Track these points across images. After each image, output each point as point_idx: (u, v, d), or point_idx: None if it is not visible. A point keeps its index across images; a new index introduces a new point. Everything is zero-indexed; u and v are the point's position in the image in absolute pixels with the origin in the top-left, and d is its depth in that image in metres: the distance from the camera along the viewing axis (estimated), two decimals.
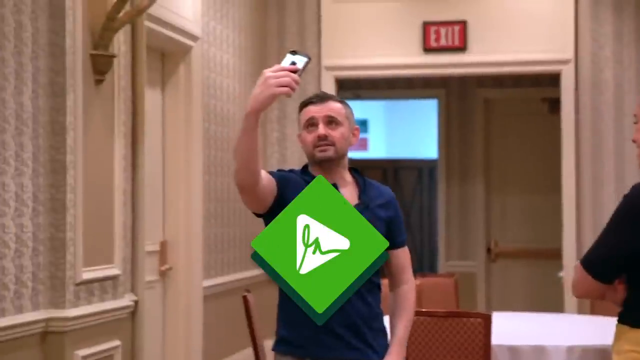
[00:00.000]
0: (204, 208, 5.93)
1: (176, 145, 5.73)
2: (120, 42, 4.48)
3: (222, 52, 6.44)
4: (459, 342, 4.08)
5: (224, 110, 6.47)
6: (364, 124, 9.70)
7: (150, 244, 5.27)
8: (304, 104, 3.05)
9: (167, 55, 5.75)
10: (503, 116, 8.76)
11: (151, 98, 5.41)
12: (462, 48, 7.25)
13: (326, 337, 2.92)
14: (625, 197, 2.50)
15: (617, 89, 7.07)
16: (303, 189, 2.94)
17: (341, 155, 3.02)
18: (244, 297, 4.54)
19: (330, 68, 7.34)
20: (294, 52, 2.72)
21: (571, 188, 7.06)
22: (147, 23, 4.99)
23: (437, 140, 8.97)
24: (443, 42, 7.27)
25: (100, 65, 4.26)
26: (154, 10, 4.95)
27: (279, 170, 3.02)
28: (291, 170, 3.06)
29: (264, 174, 2.86)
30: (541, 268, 8.33)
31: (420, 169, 9.89)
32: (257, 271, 7.08)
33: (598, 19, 7.09)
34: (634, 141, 2.61)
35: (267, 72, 2.65)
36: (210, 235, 6.11)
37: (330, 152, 2.98)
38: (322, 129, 2.98)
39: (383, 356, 3.00)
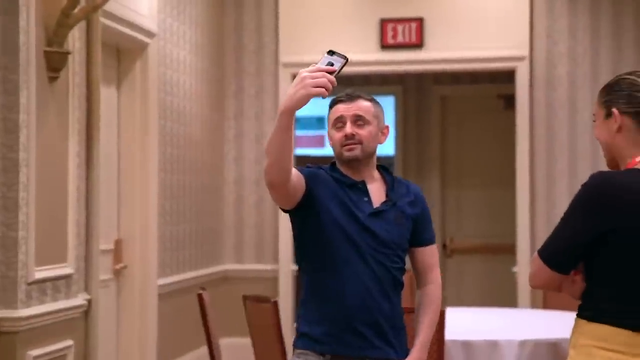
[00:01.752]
0: (159, 206, 5.91)
1: (132, 142, 5.70)
2: (75, 39, 4.45)
3: (179, 49, 6.41)
4: (412, 337, 4.11)
5: (181, 107, 6.44)
6: (321, 120, 9.71)
7: (104, 243, 5.24)
8: (333, 103, 3.08)
9: (123, 52, 5.72)
10: (459, 113, 8.82)
11: (107, 95, 5.37)
12: (418, 45, 7.29)
13: (349, 335, 2.94)
14: (584, 185, 2.51)
15: (570, 85, 7.15)
16: (332, 185, 2.98)
17: (369, 154, 3.03)
18: (199, 295, 4.53)
19: (287, 65, 7.33)
20: (331, 53, 2.70)
21: (525, 184, 7.13)
22: (103, 19, 4.96)
23: (394, 136, 9.01)
24: (400, 39, 7.30)
25: (54, 62, 4.23)
26: (109, 6, 4.92)
27: (307, 167, 3.03)
28: (319, 167, 3.08)
29: (293, 170, 2.87)
30: (496, 263, 8.40)
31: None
32: (213, 269, 7.07)
33: (553, 15, 7.16)
34: (597, 138, 2.63)
35: (304, 72, 2.65)
36: (165, 233, 6.09)
37: (357, 151, 3.00)
38: (349, 128, 3.00)
39: (402, 354, 3.02)
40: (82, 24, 4.60)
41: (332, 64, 2.66)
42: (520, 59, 7.16)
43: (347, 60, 2.69)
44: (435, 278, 3.10)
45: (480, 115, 8.72)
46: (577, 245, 2.48)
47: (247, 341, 4.86)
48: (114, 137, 5.63)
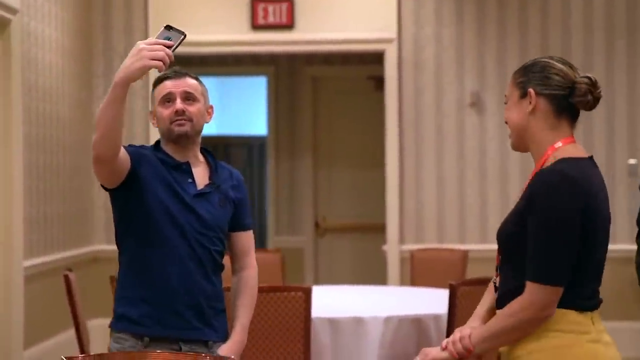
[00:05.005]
0: (25, 186, 5.78)
1: None
2: None
3: (44, 26, 6.27)
4: (281, 316, 4.17)
5: (47, 85, 6.30)
6: None
7: None
8: (160, 80, 3.03)
9: None
10: (331, 93, 8.91)
11: None
12: (289, 26, 7.32)
13: (168, 316, 2.93)
14: (552, 188, 2.39)
15: (437, 68, 7.33)
16: (156, 165, 2.95)
17: (197, 132, 3.02)
18: (65, 277, 4.48)
19: None
20: (169, 28, 2.68)
21: (394, 164, 7.27)
22: None
23: (266, 117, 9.05)
24: (271, 19, 7.32)
25: None
26: None
27: (130, 146, 2.97)
28: (142, 147, 3.04)
29: None
30: (366, 242, 8.56)
31: (251, 145, 9.95)
32: (81, 249, 6.97)
33: None
34: (506, 122, 2.61)
35: (142, 44, 2.63)
36: (32, 214, 5.96)
37: (187, 127, 2.98)
38: (179, 104, 2.97)
39: (222, 335, 3.03)
40: None
41: (169, 39, 2.65)
42: (388, 41, 7.29)
43: (185, 36, 2.67)
44: (251, 262, 3.14)
45: (351, 97, 8.83)
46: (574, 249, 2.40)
47: None
48: None
